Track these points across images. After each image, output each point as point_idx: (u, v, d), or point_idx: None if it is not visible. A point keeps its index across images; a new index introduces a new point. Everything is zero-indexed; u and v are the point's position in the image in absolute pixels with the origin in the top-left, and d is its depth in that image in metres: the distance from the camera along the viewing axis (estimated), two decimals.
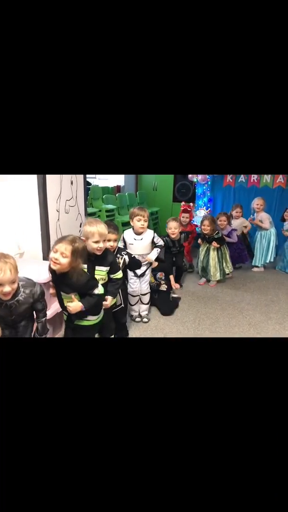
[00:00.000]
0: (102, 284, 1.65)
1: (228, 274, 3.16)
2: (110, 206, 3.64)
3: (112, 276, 1.73)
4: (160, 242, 2.27)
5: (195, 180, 4.44)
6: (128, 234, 2.24)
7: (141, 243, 2.20)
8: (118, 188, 4.97)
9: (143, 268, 2.26)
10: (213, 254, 3.01)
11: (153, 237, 2.23)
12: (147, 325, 2.30)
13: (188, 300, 2.75)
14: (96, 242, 1.55)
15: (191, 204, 3.22)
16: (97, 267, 1.65)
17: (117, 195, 4.27)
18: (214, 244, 2.94)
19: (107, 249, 1.68)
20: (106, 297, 1.68)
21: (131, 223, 2.20)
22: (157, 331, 2.22)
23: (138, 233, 2.18)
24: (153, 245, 2.26)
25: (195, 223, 3.68)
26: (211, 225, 2.90)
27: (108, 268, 1.68)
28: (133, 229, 2.21)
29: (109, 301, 1.70)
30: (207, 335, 2.16)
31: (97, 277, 1.63)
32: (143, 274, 2.28)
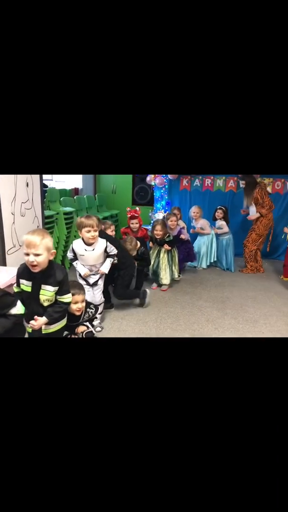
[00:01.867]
0: (48, 306, 1.45)
1: (178, 277, 3.20)
2: (68, 209, 3.56)
3: (58, 297, 1.47)
4: (113, 251, 2.18)
5: (153, 183, 4.55)
6: (78, 245, 2.08)
7: (92, 253, 2.08)
8: (76, 191, 4.88)
9: (95, 277, 2.18)
10: (163, 257, 3.02)
11: (106, 247, 2.12)
12: (110, 326, 2.30)
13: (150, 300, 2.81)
14: (26, 254, 1.31)
15: (137, 208, 3.17)
16: (42, 286, 1.40)
17: (75, 197, 4.20)
18: (166, 246, 2.97)
19: (55, 264, 1.45)
20: (36, 317, 1.43)
21: (80, 234, 2.05)
22: (120, 333, 2.23)
23: (89, 244, 2.06)
24: (106, 254, 2.17)
25: (146, 228, 3.73)
26: (163, 230, 2.91)
27: (56, 288, 1.43)
28: (82, 239, 2.07)
29: (38, 322, 1.42)
30: (168, 333, 2.23)
31: (42, 298, 1.42)
32: (95, 283, 2.19)
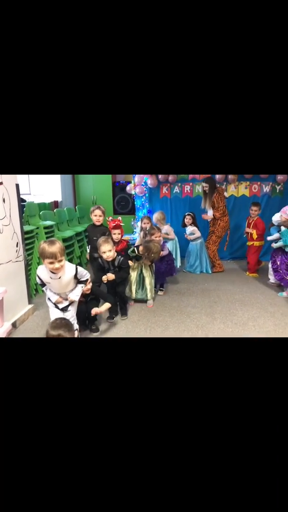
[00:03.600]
0: None
1: (161, 291, 3.16)
2: (48, 223, 3.48)
3: None
4: (85, 276, 1.98)
5: (133, 192, 4.55)
6: (42, 271, 1.86)
7: (59, 281, 1.86)
8: (55, 204, 4.81)
9: (65, 302, 1.99)
10: (146, 272, 2.89)
11: (76, 273, 1.89)
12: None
13: (137, 311, 2.76)
14: None
15: (119, 218, 3.00)
16: None
17: (55, 210, 4.12)
18: (147, 261, 2.79)
19: None
20: None
21: (43, 262, 1.79)
22: None
23: (54, 272, 1.82)
24: (77, 280, 1.96)
25: (129, 236, 3.67)
26: (159, 248, 2.78)
27: None
28: None
29: None
30: None
31: None
32: (66, 308, 1.99)
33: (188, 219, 3.82)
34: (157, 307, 2.87)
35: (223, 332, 2.34)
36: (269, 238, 3.38)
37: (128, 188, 4.63)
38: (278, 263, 3.13)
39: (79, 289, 1.99)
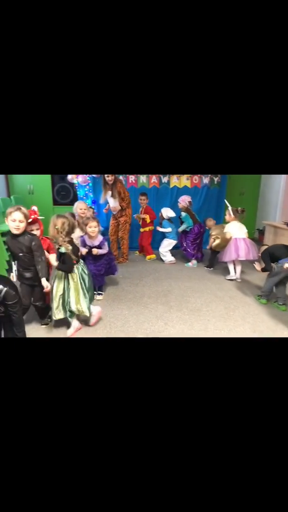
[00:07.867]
0: None
1: (100, 295, 2.75)
2: None
3: None
4: None
5: (75, 182, 4.31)
6: None
7: None
8: None
9: None
10: (76, 281, 2.16)
11: None
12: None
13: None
14: None
15: (35, 208, 2.20)
16: None
17: None
18: (65, 239, 2.08)
19: None
20: None
21: None
22: None
23: None
24: None
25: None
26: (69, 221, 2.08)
27: None
28: None
29: None
30: (121, 337, 2.15)
31: None
32: None
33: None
34: (113, 300, 2.80)
35: (181, 320, 2.42)
36: (160, 229, 3.98)
37: (69, 177, 4.36)
38: (185, 244, 3.86)
39: None
